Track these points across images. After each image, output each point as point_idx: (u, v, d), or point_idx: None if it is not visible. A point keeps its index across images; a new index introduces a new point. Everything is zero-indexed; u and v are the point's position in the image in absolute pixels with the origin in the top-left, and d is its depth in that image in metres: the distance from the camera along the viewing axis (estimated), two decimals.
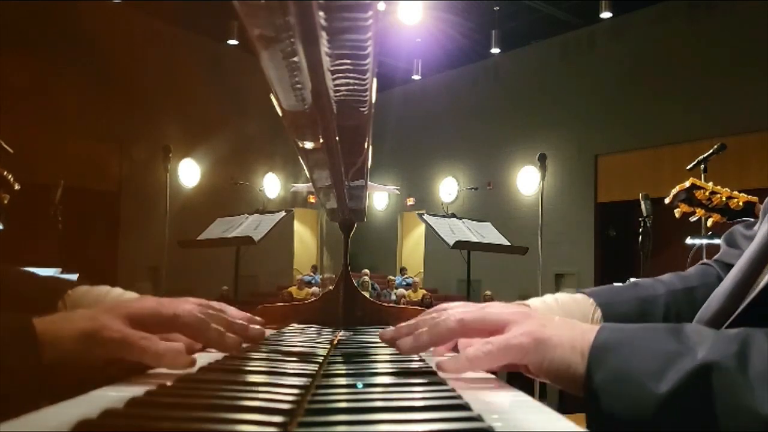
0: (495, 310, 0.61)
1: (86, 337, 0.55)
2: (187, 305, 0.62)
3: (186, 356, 0.57)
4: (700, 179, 3.38)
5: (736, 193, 3.09)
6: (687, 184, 3.13)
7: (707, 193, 3.07)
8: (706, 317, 0.75)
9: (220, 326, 0.64)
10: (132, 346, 0.56)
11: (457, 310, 0.63)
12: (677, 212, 3.16)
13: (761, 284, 0.65)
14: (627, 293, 0.88)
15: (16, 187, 2.91)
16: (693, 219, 3.17)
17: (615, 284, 0.91)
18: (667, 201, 3.19)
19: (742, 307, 0.66)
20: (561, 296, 0.87)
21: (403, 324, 0.68)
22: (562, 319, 0.59)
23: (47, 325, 0.55)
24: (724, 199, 3.04)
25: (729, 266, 0.87)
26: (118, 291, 0.87)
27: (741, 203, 3.02)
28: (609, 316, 0.84)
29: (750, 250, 0.74)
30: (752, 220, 0.93)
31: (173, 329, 0.59)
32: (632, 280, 0.94)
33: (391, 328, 0.69)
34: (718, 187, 3.11)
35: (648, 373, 0.48)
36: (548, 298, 0.87)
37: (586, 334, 0.54)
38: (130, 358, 0.57)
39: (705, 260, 0.97)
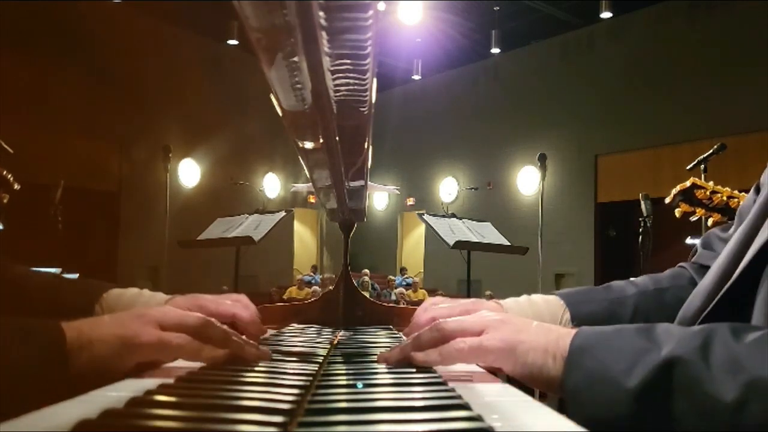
0: (472, 317, 0.63)
1: (120, 343, 0.56)
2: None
3: (221, 349, 0.60)
4: (701, 179, 3.37)
5: (736, 192, 3.09)
6: (688, 183, 3.13)
7: (708, 193, 3.07)
8: (689, 315, 0.77)
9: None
10: (169, 346, 0.58)
11: (439, 320, 0.65)
12: (678, 212, 3.16)
13: (733, 277, 0.67)
14: (598, 295, 0.92)
15: (16, 186, 2.91)
16: (693, 219, 3.17)
17: (591, 287, 0.95)
18: (667, 200, 3.19)
19: (716, 299, 0.68)
20: (535, 297, 0.91)
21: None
22: (541, 324, 0.61)
23: (81, 328, 0.55)
24: (724, 198, 3.04)
25: (704, 268, 0.92)
26: (147, 293, 0.89)
27: (741, 203, 3.01)
28: (577, 316, 0.88)
29: (727, 249, 0.76)
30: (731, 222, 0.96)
31: (198, 338, 0.61)
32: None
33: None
34: (719, 187, 3.10)
35: (619, 371, 0.51)
36: (523, 298, 0.91)
37: (562, 339, 0.57)
38: (166, 358, 0.59)
39: (681, 263, 1.00)
